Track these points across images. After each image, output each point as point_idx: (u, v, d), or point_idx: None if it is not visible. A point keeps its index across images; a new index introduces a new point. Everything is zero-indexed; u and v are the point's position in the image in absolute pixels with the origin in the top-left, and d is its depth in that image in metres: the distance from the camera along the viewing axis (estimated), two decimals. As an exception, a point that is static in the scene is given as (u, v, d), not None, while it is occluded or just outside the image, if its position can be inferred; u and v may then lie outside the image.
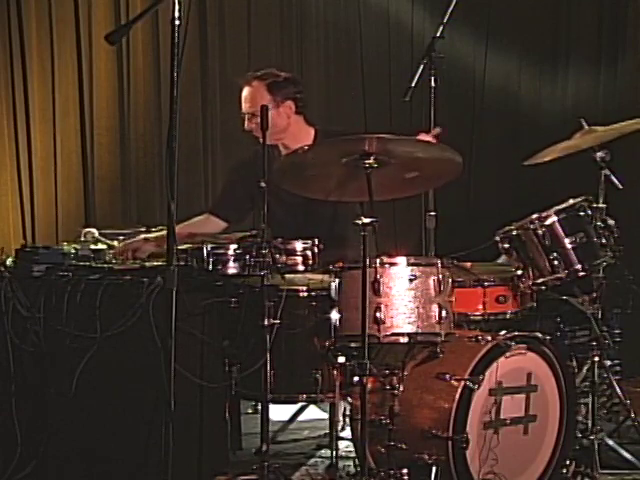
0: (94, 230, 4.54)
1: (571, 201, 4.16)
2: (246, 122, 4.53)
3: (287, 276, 3.84)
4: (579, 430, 4.08)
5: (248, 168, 4.51)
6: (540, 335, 3.80)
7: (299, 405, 4.89)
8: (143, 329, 3.67)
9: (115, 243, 4.34)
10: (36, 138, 5.56)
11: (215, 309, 3.92)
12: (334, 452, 3.90)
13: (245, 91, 4.56)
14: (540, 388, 3.78)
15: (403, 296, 3.59)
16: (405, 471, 3.58)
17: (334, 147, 3.64)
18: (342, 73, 7.04)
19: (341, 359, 3.72)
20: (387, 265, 3.61)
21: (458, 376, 3.58)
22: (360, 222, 3.49)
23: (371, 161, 3.52)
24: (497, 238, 4.19)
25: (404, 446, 3.62)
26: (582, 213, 4.12)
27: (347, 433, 3.97)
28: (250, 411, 5.00)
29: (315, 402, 4.63)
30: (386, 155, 3.53)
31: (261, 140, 4.40)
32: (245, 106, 4.54)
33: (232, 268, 3.85)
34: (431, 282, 3.62)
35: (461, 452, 3.53)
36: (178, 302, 3.31)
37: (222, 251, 3.86)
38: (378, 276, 3.57)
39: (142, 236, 4.41)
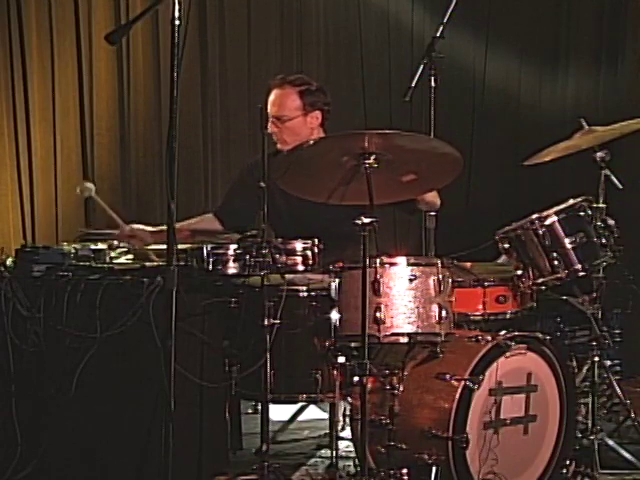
0: (91, 185, 4.57)
1: (571, 201, 4.15)
2: (270, 125, 4.41)
3: (287, 276, 3.84)
4: (579, 430, 4.08)
5: (257, 172, 4.50)
6: (540, 335, 3.80)
7: (299, 405, 4.89)
8: (143, 329, 3.67)
9: (115, 243, 4.34)
10: (36, 138, 5.56)
11: (215, 309, 3.92)
12: (334, 452, 3.89)
13: (274, 94, 4.46)
14: (540, 388, 3.78)
15: (403, 296, 3.59)
16: (405, 471, 3.58)
17: (335, 143, 3.62)
18: (342, 73, 7.04)
19: (341, 359, 3.72)
20: (387, 265, 3.61)
21: (458, 376, 3.58)
22: (360, 222, 3.49)
23: (371, 161, 3.52)
24: (497, 238, 4.19)
25: (404, 446, 3.62)
26: (582, 213, 4.12)
27: (347, 433, 3.97)
28: (250, 411, 5.00)
29: (315, 402, 4.63)
30: (386, 151, 3.52)
31: (279, 145, 4.39)
32: (272, 109, 4.42)
33: (232, 268, 3.84)
34: (431, 282, 3.62)
35: (461, 452, 3.53)
36: (178, 302, 3.31)
37: (222, 251, 3.85)
38: (378, 276, 3.57)
39: (148, 229, 4.43)
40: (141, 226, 4.50)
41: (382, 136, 3.48)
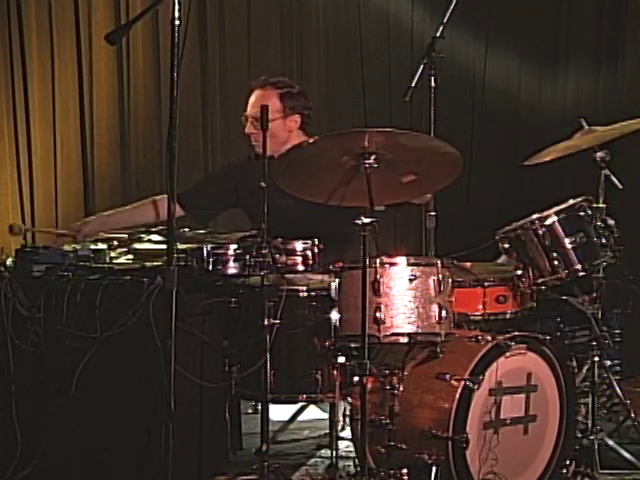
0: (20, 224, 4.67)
1: (571, 201, 4.15)
2: (248, 125, 4.45)
3: (287, 276, 3.84)
4: (579, 430, 4.08)
5: (236, 173, 4.53)
6: (540, 335, 3.80)
7: (299, 405, 4.89)
8: (143, 329, 3.67)
9: (115, 242, 4.34)
10: (36, 138, 5.55)
11: (215, 309, 3.92)
12: (334, 452, 3.89)
13: (255, 95, 4.48)
14: (540, 388, 3.78)
15: (403, 296, 3.59)
16: (405, 471, 3.58)
17: (335, 142, 3.61)
18: (342, 73, 7.04)
19: (341, 359, 3.72)
20: (387, 265, 3.61)
21: (458, 376, 3.58)
22: (360, 222, 3.49)
23: (371, 161, 3.52)
24: (497, 238, 4.19)
25: (404, 446, 3.62)
26: (582, 213, 4.12)
27: (347, 433, 3.97)
28: (250, 411, 4.99)
29: (315, 402, 4.63)
30: (386, 151, 3.52)
31: (257, 148, 4.40)
32: (252, 110, 4.44)
33: (232, 268, 3.84)
34: (431, 282, 3.62)
35: (461, 452, 3.53)
36: (178, 302, 3.31)
37: (222, 251, 3.85)
38: (378, 276, 3.57)
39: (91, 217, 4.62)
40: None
41: (382, 134, 3.48)
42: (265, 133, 3.79)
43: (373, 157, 3.51)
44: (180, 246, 3.77)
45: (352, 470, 4.01)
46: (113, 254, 4.17)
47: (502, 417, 3.66)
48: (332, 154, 3.56)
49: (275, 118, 4.39)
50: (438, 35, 4.33)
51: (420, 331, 3.59)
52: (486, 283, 4.15)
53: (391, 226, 6.62)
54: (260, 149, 4.33)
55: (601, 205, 4.26)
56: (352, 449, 3.96)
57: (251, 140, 4.45)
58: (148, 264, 3.97)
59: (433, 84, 4.28)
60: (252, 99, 4.49)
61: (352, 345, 3.66)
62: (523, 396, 3.74)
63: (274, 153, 4.21)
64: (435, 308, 3.60)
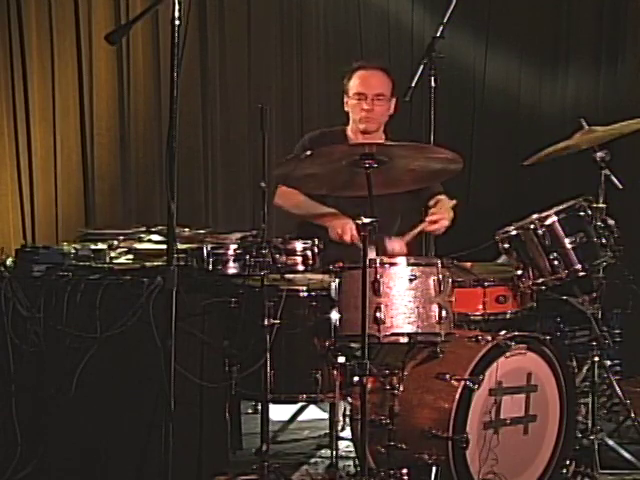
0: None
1: (571, 201, 4.16)
2: (368, 103, 4.51)
3: (287, 276, 3.84)
4: (579, 430, 4.08)
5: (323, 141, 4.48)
6: (540, 335, 3.80)
7: (299, 405, 4.89)
8: (143, 329, 3.67)
9: (115, 242, 4.33)
10: (36, 138, 5.55)
11: (215, 309, 3.92)
12: (334, 452, 3.89)
13: (374, 74, 4.57)
14: (540, 388, 3.78)
15: (403, 296, 3.59)
16: (405, 471, 3.58)
17: (333, 154, 3.63)
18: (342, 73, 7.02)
19: (341, 359, 3.72)
20: (387, 265, 3.61)
21: (458, 376, 3.58)
22: (360, 222, 3.50)
23: (371, 161, 3.52)
24: (497, 238, 4.19)
25: (404, 446, 3.62)
26: (582, 213, 4.12)
27: (347, 433, 3.97)
28: (250, 411, 4.99)
29: (315, 402, 4.63)
30: (384, 155, 3.53)
31: (366, 125, 4.50)
32: (375, 88, 4.53)
33: (232, 268, 3.85)
34: (431, 282, 3.63)
35: (461, 452, 3.53)
36: (178, 302, 3.31)
37: (222, 251, 3.86)
38: (378, 276, 3.57)
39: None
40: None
41: (381, 147, 3.50)
42: (264, 135, 3.77)
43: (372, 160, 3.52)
44: (180, 246, 3.77)
45: (352, 470, 4.01)
46: (113, 254, 4.17)
47: (502, 417, 3.66)
48: (331, 161, 3.58)
49: (389, 98, 4.56)
50: (438, 35, 4.34)
51: (420, 331, 3.60)
52: (486, 283, 4.15)
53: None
54: (369, 126, 4.52)
55: (601, 205, 4.25)
56: (352, 449, 3.97)
57: (365, 116, 4.52)
58: (148, 264, 3.97)
59: (433, 84, 4.29)
60: (372, 79, 4.57)
61: (352, 345, 3.66)
62: (523, 396, 3.74)
63: (373, 132, 4.52)
64: (435, 308, 3.60)
